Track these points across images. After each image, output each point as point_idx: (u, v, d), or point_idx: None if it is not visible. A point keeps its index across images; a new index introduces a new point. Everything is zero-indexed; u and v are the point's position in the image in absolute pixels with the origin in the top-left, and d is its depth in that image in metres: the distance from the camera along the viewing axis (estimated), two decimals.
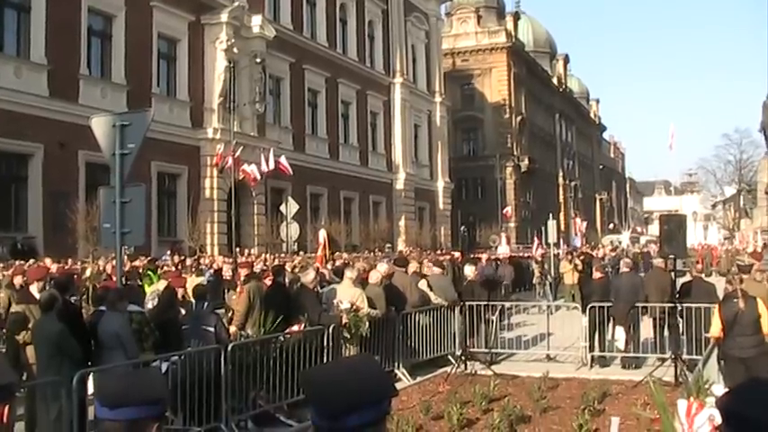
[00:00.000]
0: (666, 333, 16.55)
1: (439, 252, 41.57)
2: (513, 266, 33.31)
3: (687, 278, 17.50)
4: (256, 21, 39.72)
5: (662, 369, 15.24)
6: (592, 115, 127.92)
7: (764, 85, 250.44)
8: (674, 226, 15.59)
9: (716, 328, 11.57)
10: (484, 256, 29.12)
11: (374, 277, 15.97)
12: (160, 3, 35.32)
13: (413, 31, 61.08)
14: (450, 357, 16.97)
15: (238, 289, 14.42)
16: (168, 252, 28.86)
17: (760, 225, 51.82)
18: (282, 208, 36.08)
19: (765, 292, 12.91)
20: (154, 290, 14.72)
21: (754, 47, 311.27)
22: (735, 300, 11.34)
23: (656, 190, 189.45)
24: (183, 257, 26.97)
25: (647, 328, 17.43)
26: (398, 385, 15.00)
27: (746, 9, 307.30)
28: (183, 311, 12.60)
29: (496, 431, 10.73)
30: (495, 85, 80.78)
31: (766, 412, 2.05)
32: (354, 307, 14.02)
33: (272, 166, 35.85)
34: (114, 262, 14.27)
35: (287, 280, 16.02)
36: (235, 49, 37.94)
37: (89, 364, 9.83)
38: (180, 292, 13.37)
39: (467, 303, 17.37)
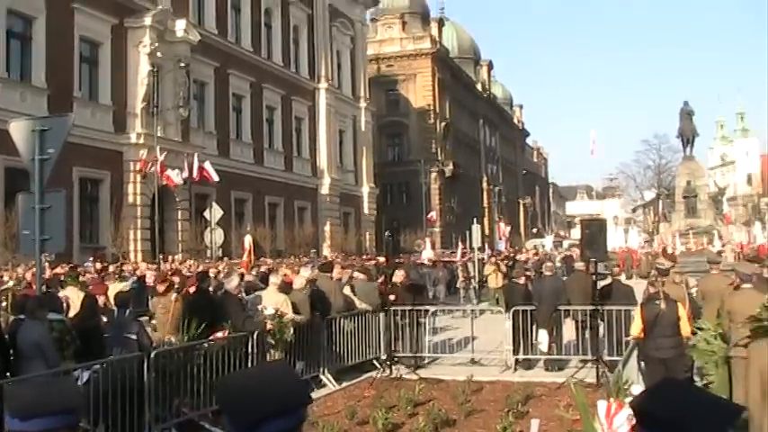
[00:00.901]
0: (588, 335, 16.81)
1: (364, 257, 41.61)
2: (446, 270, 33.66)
3: (608, 281, 17.80)
4: (180, 25, 39.37)
5: (584, 371, 15.53)
6: (515, 121, 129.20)
7: (682, 92, 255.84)
8: (594, 230, 15.89)
9: (636, 329, 11.83)
10: (408, 261, 29.26)
11: (298, 283, 15.99)
12: (82, 5, 34.74)
13: (338, 37, 61.15)
14: (375, 362, 17.04)
15: (173, 297, 14.24)
16: (90, 259, 28.48)
17: (678, 228, 52.69)
18: (207, 213, 35.75)
19: (683, 294, 13.21)
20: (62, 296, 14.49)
21: (672, 54, 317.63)
22: (657, 302, 11.59)
23: (579, 194, 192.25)
24: (105, 264, 26.65)
25: (569, 331, 17.69)
26: (324, 391, 15.05)
27: (665, 17, 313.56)
28: (105, 319, 12.45)
29: None
30: (420, 91, 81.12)
31: (674, 411, 2.14)
32: (279, 313, 14.02)
33: (195, 172, 35.59)
34: (35, 269, 14.04)
35: (211, 286, 15.98)
36: (158, 54, 37.53)
37: (8, 374, 9.65)
38: (102, 299, 13.21)
39: (392, 308, 17.48)
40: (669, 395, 2.25)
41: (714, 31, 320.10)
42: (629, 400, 6.67)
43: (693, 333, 11.62)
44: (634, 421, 2.34)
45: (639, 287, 17.45)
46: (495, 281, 29.34)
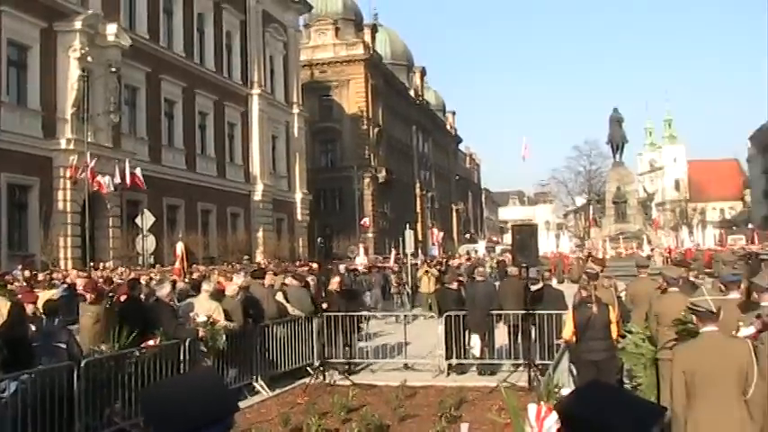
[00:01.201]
0: (520, 339, 16.95)
1: (297, 263, 41.51)
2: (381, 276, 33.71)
3: (540, 286, 17.98)
4: (111, 29, 38.87)
5: (516, 374, 15.70)
6: (448, 127, 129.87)
7: (612, 99, 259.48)
8: (525, 235, 16.06)
9: (568, 332, 11.97)
10: (342, 267, 29.29)
11: (231, 290, 15.92)
12: (9, 8, 34.11)
13: (271, 42, 60.93)
14: (308, 368, 17.00)
15: (104, 304, 14.09)
16: (19, 266, 28.01)
17: (608, 233, 53.30)
18: (138, 220, 35.39)
19: (612, 297, 13.40)
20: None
21: (602, 61, 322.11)
22: (589, 305, 11.75)
23: (511, 200, 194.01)
24: (34, 272, 26.23)
25: (502, 335, 17.83)
26: (257, 398, 14.98)
27: (594, 26, 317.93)
28: (34, 328, 12.24)
29: None
30: (353, 97, 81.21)
31: (597, 413, 2.19)
32: (211, 320, 13.95)
33: (127, 178, 35.21)
34: None
35: (142, 294, 15.83)
36: (89, 58, 36.97)
37: None
38: (30, 307, 12.99)
39: (324, 314, 17.48)
40: (592, 397, 2.30)
41: (642, 39, 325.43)
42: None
43: (622, 336, 11.81)
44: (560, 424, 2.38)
45: (570, 291, 17.68)
46: (428, 286, 29.45)
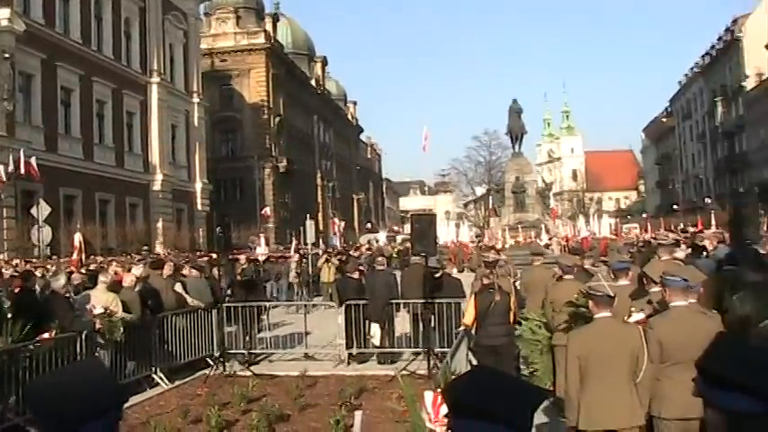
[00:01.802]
0: (421, 328, 17.10)
1: (198, 254, 41.08)
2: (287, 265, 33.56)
3: (439, 274, 18.13)
4: (4, 14, 37.77)
5: (416, 362, 15.83)
6: (349, 117, 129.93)
7: (512, 91, 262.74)
8: (424, 224, 16.17)
9: (469, 317, 12.16)
10: (242, 258, 29.08)
11: (128, 280, 15.71)
12: None
13: (171, 30, 60.07)
14: (208, 359, 16.89)
15: None
16: None
17: (508, 222, 53.91)
18: (34, 211, 34.57)
19: (510, 285, 13.60)
20: None
21: (502, 53, 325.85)
22: (491, 291, 11.92)
23: (412, 190, 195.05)
24: None
25: (403, 324, 17.97)
26: (156, 390, 14.83)
27: (493, 18, 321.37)
28: None
29: (255, 431, 10.81)
30: (254, 86, 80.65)
31: (479, 397, 2.23)
32: (108, 312, 13.74)
33: (22, 167, 34.36)
34: None
35: (37, 286, 15.51)
36: None
37: None
38: None
39: (224, 305, 17.39)
40: (476, 382, 2.34)
41: (541, 31, 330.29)
42: None
43: (518, 323, 12.03)
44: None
45: (469, 280, 17.91)
46: (329, 276, 29.48)
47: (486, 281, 12.34)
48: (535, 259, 15.54)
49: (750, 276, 9.20)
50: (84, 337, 13.15)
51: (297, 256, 35.48)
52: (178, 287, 17.56)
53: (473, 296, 12.44)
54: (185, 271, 19.94)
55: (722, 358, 2.52)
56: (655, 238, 25.21)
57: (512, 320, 11.92)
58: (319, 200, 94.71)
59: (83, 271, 22.92)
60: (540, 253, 16.49)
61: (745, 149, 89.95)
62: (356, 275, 19.32)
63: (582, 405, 6.78)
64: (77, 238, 27.10)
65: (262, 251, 38.94)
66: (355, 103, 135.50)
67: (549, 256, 21.04)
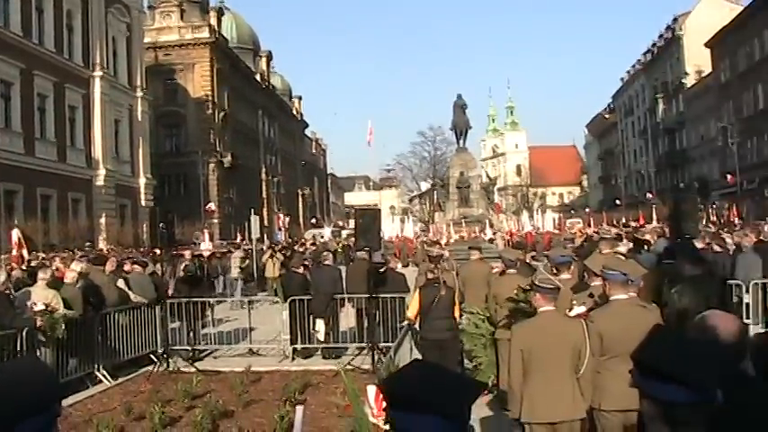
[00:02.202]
0: (365, 322, 17.12)
1: (141, 250, 40.73)
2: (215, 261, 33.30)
3: (383, 269, 18.16)
4: None
5: (361, 357, 15.88)
6: (294, 112, 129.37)
7: (456, 86, 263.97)
8: (368, 219, 16.16)
9: (413, 311, 12.19)
10: (186, 253, 28.91)
11: (70, 277, 15.54)
12: None
13: (114, 23, 59.35)
14: (152, 356, 16.76)
15: None
16: None
17: (452, 217, 53.94)
18: None
19: (453, 279, 13.67)
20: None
21: (447, 49, 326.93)
22: (435, 286, 11.95)
23: (357, 185, 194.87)
24: None
25: (348, 319, 17.99)
26: (99, 387, 14.69)
27: (439, 14, 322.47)
28: None
29: (199, 428, 10.76)
30: (199, 81, 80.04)
31: (415, 390, 2.26)
32: (49, 308, 13.57)
33: None
34: None
35: None
36: None
37: None
38: None
39: (168, 301, 17.28)
40: (411, 375, 2.37)
41: (486, 28, 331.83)
42: None
43: (459, 316, 12.12)
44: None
45: (413, 274, 17.99)
46: (273, 271, 29.39)
47: (430, 275, 12.38)
48: (472, 253, 15.57)
49: (688, 270, 9.36)
50: (24, 334, 12.99)
51: (240, 251, 35.33)
52: (121, 283, 17.41)
53: (417, 290, 12.48)
54: (128, 267, 19.76)
55: (656, 350, 2.58)
56: (597, 233, 25.53)
57: (456, 315, 11.98)
58: (264, 195, 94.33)
59: (23, 267, 22.65)
60: (477, 247, 16.52)
61: (686, 145, 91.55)
62: (300, 270, 19.32)
63: (525, 398, 6.85)
64: (15, 234, 26.72)
65: (206, 247, 38.74)
66: (300, 98, 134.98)
67: (490, 250, 21.17)
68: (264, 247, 38.03)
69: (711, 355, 2.70)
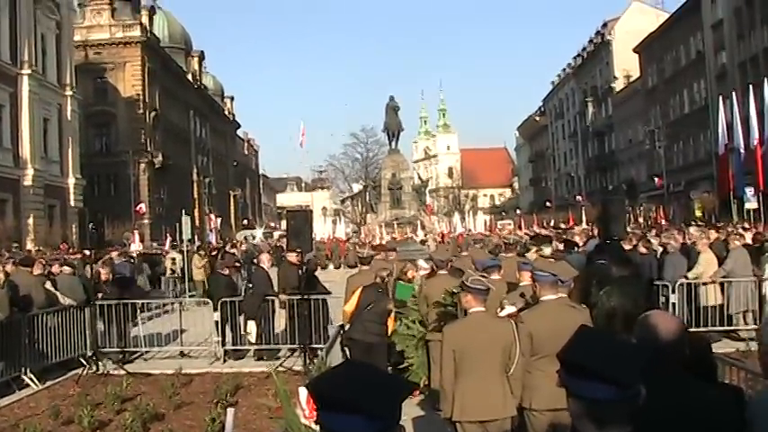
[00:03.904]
0: (297, 324, 17.10)
1: (70, 251, 40.16)
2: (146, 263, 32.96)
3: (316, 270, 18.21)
4: None
5: (293, 359, 15.86)
6: (226, 112, 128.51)
7: (388, 89, 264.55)
8: (300, 221, 16.13)
9: (351, 306, 12.19)
10: (115, 254, 28.60)
11: None
12: None
13: (43, 21, 58.41)
14: (81, 359, 16.54)
15: None
16: None
17: (384, 219, 54.07)
18: None
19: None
20: None
21: (379, 51, 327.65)
22: (380, 291, 12.02)
23: (289, 186, 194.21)
24: None
25: (281, 320, 17.95)
26: (26, 391, 14.46)
27: (375, 14, 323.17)
28: None
29: (129, 431, 10.67)
30: (129, 80, 79.18)
31: (343, 391, 2.28)
32: None
33: None
34: None
35: None
36: None
37: None
38: None
39: (97, 303, 17.07)
40: (338, 375, 2.39)
41: (418, 31, 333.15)
42: None
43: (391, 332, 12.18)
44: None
45: (343, 276, 18.03)
46: (204, 272, 29.20)
47: (379, 278, 12.43)
48: (389, 255, 15.80)
49: (615, 271, 9.54)
50: None
51: (172, 252, 35.05)
52: (49, 285, 17.15)
53: (361, 288, 12.40)
54: (56, 269, 19.49)
55: (581, 349, 2.65)
56: (528, 234, 25.84)
57: (389, 325, 11.98)
58: (195, 196, 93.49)
59: None
60: (392, 249, 16.80)
61: (614, 148, 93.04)
62: (227, 272, 19.29)
63: (456, 397, 6.93)
64: None
65: (136, 248, 38.36)
66: (232, 99, 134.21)
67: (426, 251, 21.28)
68: (195, 249, 37.75)
69: (635, 352, 2.78)
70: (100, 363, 16.05)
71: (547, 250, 15.03)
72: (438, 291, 10.31)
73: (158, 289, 32.17)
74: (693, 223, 36.27)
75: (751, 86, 39.96)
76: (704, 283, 16.88)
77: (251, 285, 18.90)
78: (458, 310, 8.73)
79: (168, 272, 32.88)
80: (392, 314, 11.98)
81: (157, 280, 32.74)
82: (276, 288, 17.55)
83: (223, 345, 17.23)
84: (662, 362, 3.22)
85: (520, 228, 55.90)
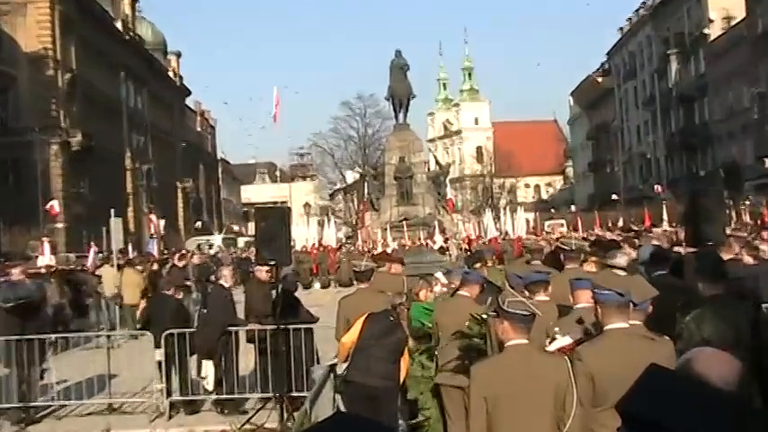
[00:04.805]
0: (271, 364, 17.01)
1: None
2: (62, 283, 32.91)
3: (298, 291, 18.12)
4: None
5: (265, 413, 15.82)
6: (171, 74, 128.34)
7: (394, 42, 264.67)
8: (274, 222, 15.98)
9: (350, 338, 11.87)
10: (16, 271, 28.56)
11: None
12: None
13: None
14: None
15: None
16: None
17: (389, 219, 53.63)
18: None
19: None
20: None
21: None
22: (391, 319, 11.73)
23: (259, 175, 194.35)
24: None
25: (248, 360, 17.85)
26: None
27: None
28: None
29: None
30: (33, 29, 78.78)
31: None
32: None
33: None
34: None
35: None
36: None
37: None
38: None
39: None
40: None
41: None
42: None
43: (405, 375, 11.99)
44: None
45: (335, 297, 17.95)
46: (140, 295, 29.15)
47: (394, 302, 12.16)
48: (393, 267, 15.58)
49: (707, 290, 9.45)
50: None
51: (97, 268, 35.01)
52: None
53: (366, 316, 12.16)
54: None
55: (652, 398, 2.60)
56: (587, 239, 25.80)
57: (402, 367, 11.75)
58: (130, 189, 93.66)
59: None
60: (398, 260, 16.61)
61: (707, 119, 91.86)
62: (173, 293, 19.21)
63: None
64: None
65: (46, 261, 38.35)
66: (179, 55, 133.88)
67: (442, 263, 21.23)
68: (129, 262, 37.70)
69: (731, 404, 2.74)
70: None
71: (617, 260, 14.94)
72: (456, 318, 10.21)
73: (86, 318, 32.13)
74: None
75: None
76: None
77: (206, 311, 18.85)
78: (488, 344, 8.66)
79: (94, 294, 32.83)
80: (407, 356, 11.86)
81: (80, 307, 32.71)
82: (242, 315, 17.52)
83: (168, 395, 17.18)
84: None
85: (575, 230, 55.79)
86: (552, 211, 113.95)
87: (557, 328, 8.20)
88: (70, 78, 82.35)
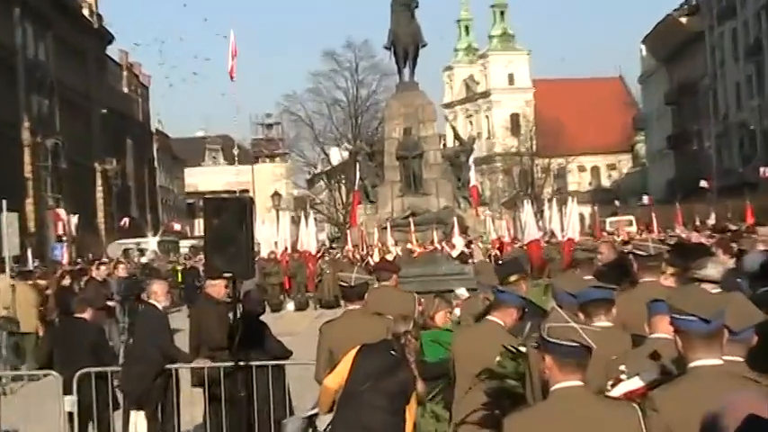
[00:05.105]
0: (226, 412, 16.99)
1: None
2: None
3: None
4: None
5: None
6: (86, 13, 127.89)
7: None
8: (230, 218, 15.77)
9: (335, 380, 11.77)
10: None
11: None
12: None
13: None
14: None
15: None
16: None
17: (389, 214, 53.05)
18: None
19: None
20: None
21: None
22: (393, 354, 11.53)
23: (210, 153, 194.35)
24: None
25: (197, 409, 17.83)
26: None
27: None
28: None
29: None
30: None
31: None
32: None
33: None
34: None
35: None
36: None
37: None
38: None
39: None
40: None
41: None
42: None
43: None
44: None
45: (315, 323, 17.96)
46: (39, 319, 29.15)
47: (397, 330, 11.99)
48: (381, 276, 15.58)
49: None
50: None
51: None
52: None
53: (356, 350, 11.99)
54: None
55: None
56: (662, 241, 25.86)
57: (407, 419, 11.63)
58: (28, 173, 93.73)
59: None
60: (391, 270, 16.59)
61: None
62: (94, 318, 19.22)
63: None
64: None
65: None
66: None
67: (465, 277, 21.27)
68: (26, 273, 37.77)
69: None
70: None
71: (707, 271, 14.77)
72: (485, 349, 10.16)
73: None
74: None
75: None
76: None
77: (135, 342, 18.89)
78: (527, 388, 8.66)
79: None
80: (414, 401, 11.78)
81: None
82: (187, 348, 17.55)
83: None
84: None
85: (648, 229, 55.79)
86: (616, 203, 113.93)
87: (623, 366, 8.15)
88: None
